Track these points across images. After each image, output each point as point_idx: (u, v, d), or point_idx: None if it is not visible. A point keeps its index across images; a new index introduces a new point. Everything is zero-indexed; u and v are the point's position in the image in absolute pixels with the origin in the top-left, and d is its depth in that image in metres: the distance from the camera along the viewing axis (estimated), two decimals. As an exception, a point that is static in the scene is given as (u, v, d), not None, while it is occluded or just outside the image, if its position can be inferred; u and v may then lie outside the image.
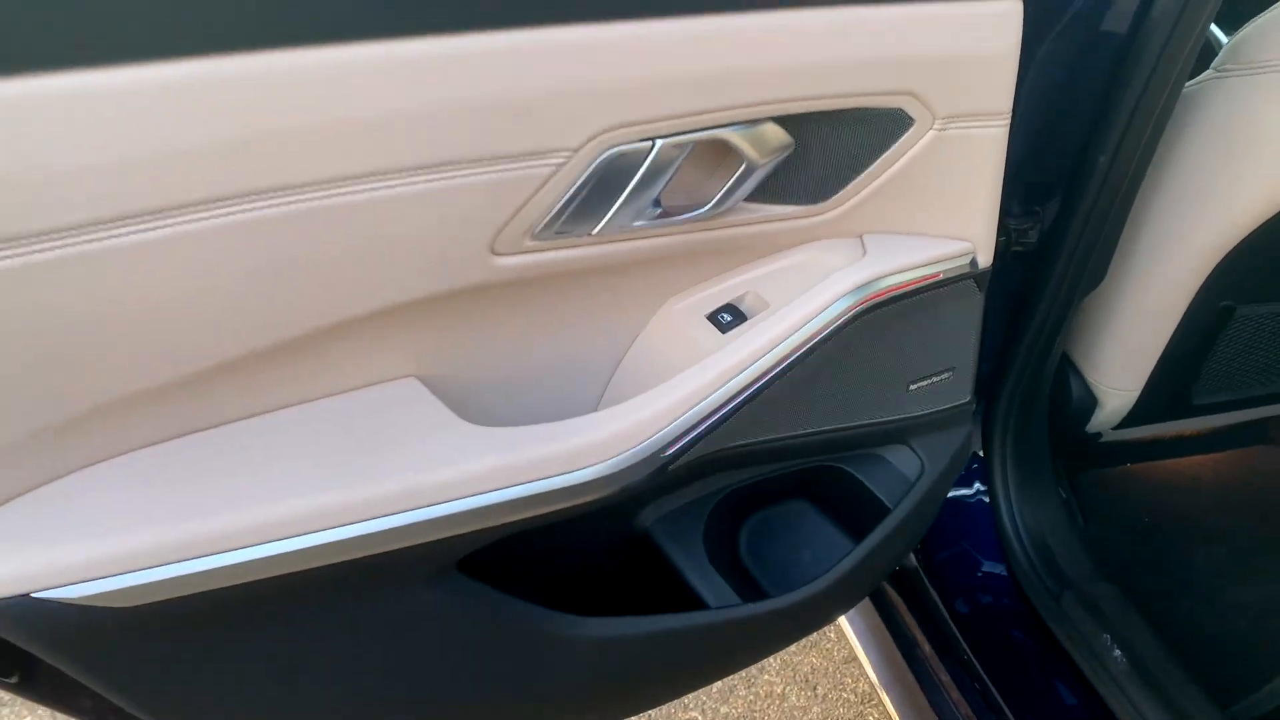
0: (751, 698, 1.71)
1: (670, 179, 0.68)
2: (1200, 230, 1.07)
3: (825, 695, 1.72)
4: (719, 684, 1.73)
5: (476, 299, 0.69)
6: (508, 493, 0.67)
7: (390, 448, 0.65)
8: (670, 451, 0.74)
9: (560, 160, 0.62)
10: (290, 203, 0.55)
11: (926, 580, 1.26)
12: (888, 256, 0.81)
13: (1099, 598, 1.10)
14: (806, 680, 1.75)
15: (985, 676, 1.16)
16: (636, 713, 1.02)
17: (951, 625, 1.22)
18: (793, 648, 1.79)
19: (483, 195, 0.61)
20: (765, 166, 0.72)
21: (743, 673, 1.75)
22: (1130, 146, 0.92)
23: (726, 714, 1.68)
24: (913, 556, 1.29)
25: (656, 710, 1.66)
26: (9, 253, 0.49)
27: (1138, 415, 1.26)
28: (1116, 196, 0.96)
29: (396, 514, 0.63)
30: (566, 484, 0.69)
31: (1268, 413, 1.43)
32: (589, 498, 0.71)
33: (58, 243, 0.50)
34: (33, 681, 0.70)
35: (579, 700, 0.88)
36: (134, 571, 0.57)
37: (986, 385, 1.15)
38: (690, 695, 1.69)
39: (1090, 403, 1.23)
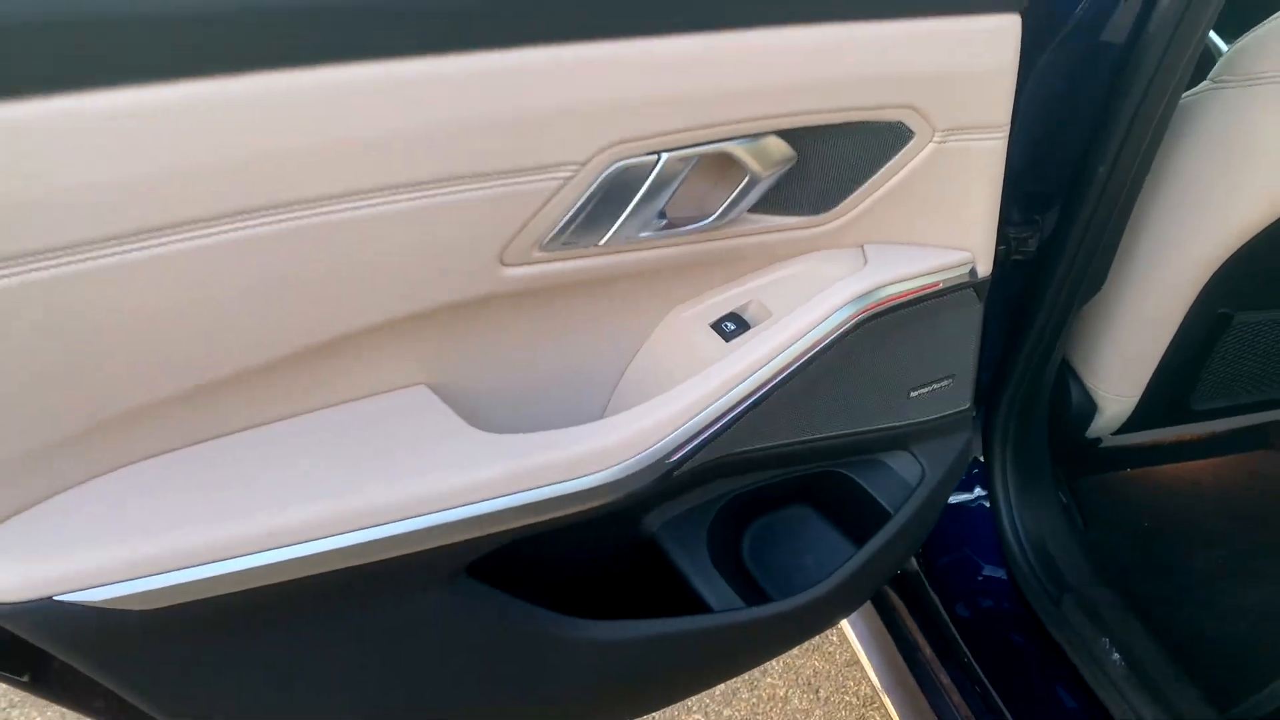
0: (754, 700, 1.72)
1: (675, 191, 0.70)
2: (1198, 238, 1.08)
3: (827, 698, 1.73)
4: (722, 686, 1.73)
5: (486, 308, 0.71)
6: (516, 498, 0.68)
7: (402, 454, 0.66)
8: (675, 458, 0.75)
9: (568, 174, 0.64)
10: (307, 217, 0.57)
11: (928, 584, 1.27)
12: (888, 266, 0.82)
13: (1098, 602, 1.11)
14: (809, 683, 1.75)
15: (986, 680, 1.17)
16: (641, 714, 1.03)
17: (952, 629, 1.22)
18: (795, 651, 1.80)
19: (492, 208, 0.63)
20: (768, 179, 0.73)
21: (745, 675, 1.76)
22: (1129, 156, 0.93)
23: (729, 716, 1.69)
24: (914, 561, 1.29)
25: (660, 712, 1.67)
26: (29, 266, 0.50)
27: (1137, 421, 1.27)
28: (1115, 205, 0.97)
29: (409, 519, 0.64)
30: (574, 490, 0.70)
31: (1268, 418, 1.44)
32: (595, 503, 0.72)
33: (93, 254, 0.51)
34: (44, 679, 0.72)
35: (584, 701, 0.89)
36: (153, 575, 0.58)
37: (987, 391, 1.16)
38: (694, 698, 1.70)
39: (1090, 408, 1.24)
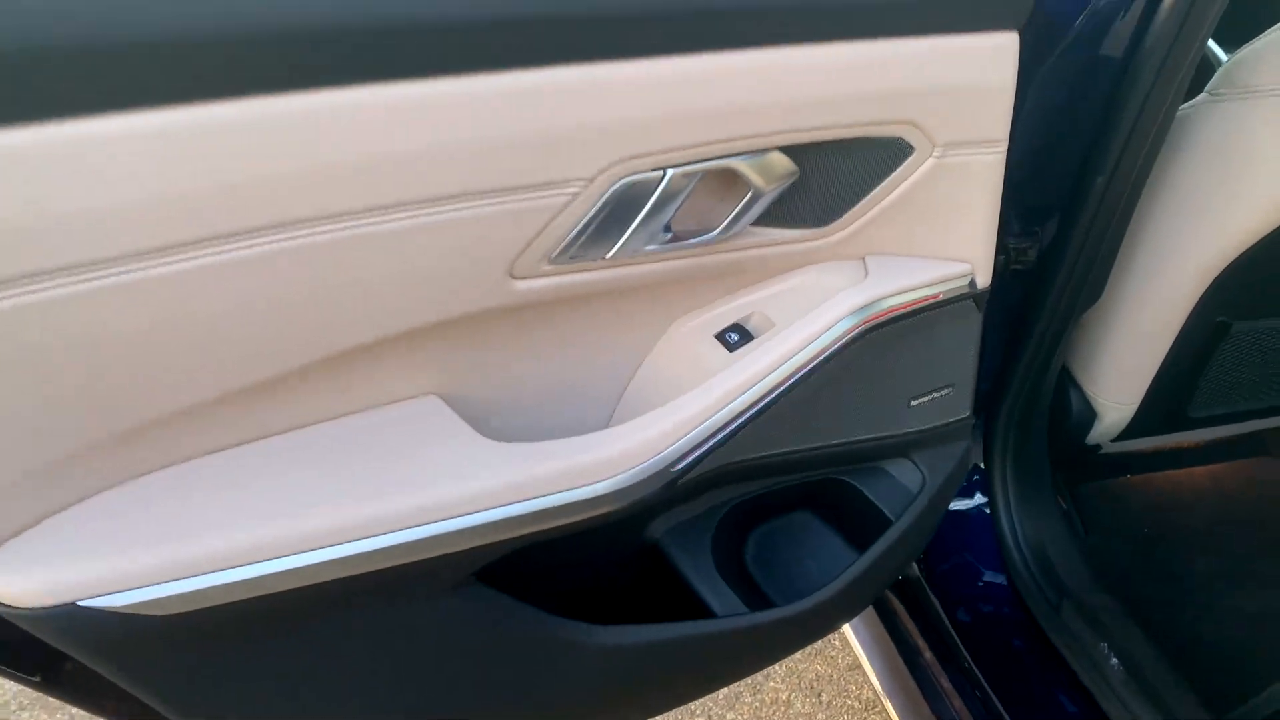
0: (757, 704, 1.73)
1: (680, 206, 0.71)
2: (1195, 248, 1.09)
3: (829, 702, 1.74)
4: (725, 691, 1.74)
5: (495, 320, 0.72)
6: (524, 506, 0.69)
7: (414, 462, 0.68)
8: (680, 466, 0.76)
9: (576, 190, 0.65)
10: (321, 233, 0.58)
11: (929, 590, 1.27)
12: (889, 278, 0.84)
13: (1098, 607, 1.11)
14: (811, 687, 1.76)
15: (986, 684, 1.18)
16: (646, 718, 1.04)
17: (953, 634, 1.23)
18: (798, 655, 1.81)
19: (502, 223, 0.64)
20: (771, 193, 0.75)
21: (748, 680, 1.77)
22: (1127, 166, 0.94)
23: (732, 720, 1.70)
24: (915, 566, 1.30)
25: (664, 716, 1.68)
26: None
27: (1136, 428, 1.28)
28: (1114, 215, 0.98)
29: (421, 526, 0.65)
30: (580, 498, 0.71)
31: (1267, 424, 1.45)
32: (601, 511, 0.73)
33: (116, 269, 0.53)
34: (55, 680, 0.73)
35: (589, 706, 0.90)
36: (172, 581, 0.59)
37: (987, 399, 1.17)
38: (697, 701, 1.71)
39: (1089, 416, 1.25)
